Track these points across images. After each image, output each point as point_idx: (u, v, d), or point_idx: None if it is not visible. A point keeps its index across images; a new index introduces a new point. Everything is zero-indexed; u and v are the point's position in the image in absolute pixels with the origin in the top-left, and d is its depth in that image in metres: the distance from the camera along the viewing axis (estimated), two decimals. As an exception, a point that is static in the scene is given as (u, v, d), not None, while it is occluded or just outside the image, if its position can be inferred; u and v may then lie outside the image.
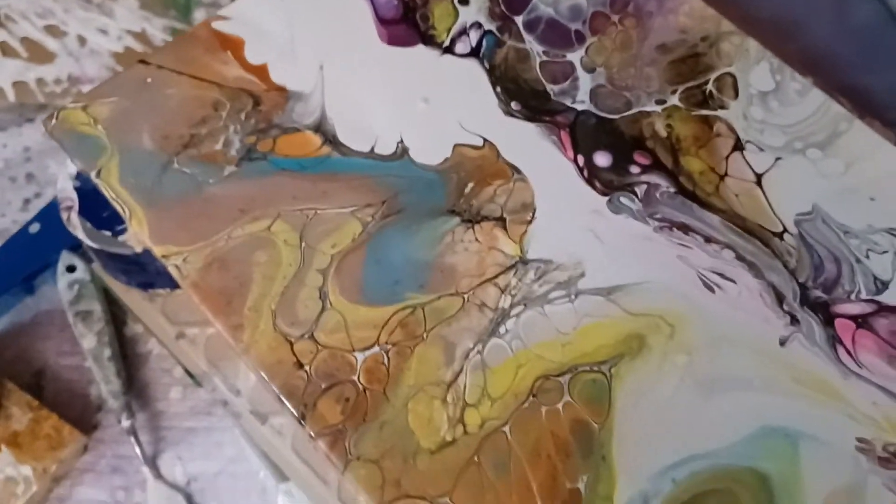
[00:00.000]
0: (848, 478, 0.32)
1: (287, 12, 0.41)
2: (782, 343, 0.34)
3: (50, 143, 0.48)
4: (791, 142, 0.38)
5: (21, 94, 0.51)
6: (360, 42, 0.41)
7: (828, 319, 0.35)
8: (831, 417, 0.33)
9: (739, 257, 0.36)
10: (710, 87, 0.39)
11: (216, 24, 0.40)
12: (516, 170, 0.38)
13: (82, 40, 0.52)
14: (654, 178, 0.38)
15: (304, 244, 0.36)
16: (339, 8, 0.41)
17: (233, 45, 0.40)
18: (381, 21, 0.41)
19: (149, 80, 0.39)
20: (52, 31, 0.53)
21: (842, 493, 0.31)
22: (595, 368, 0.34)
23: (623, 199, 0.37)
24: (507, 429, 0.32)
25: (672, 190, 0.37)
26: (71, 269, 0.45)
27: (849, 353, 0.34)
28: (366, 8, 0.41)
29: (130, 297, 0.42)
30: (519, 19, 0.41)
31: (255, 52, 0.40)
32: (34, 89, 0.51)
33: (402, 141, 0.38)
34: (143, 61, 0.39)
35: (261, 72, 0.39)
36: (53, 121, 0.38)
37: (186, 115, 0.38)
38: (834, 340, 0.34)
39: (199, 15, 0.52)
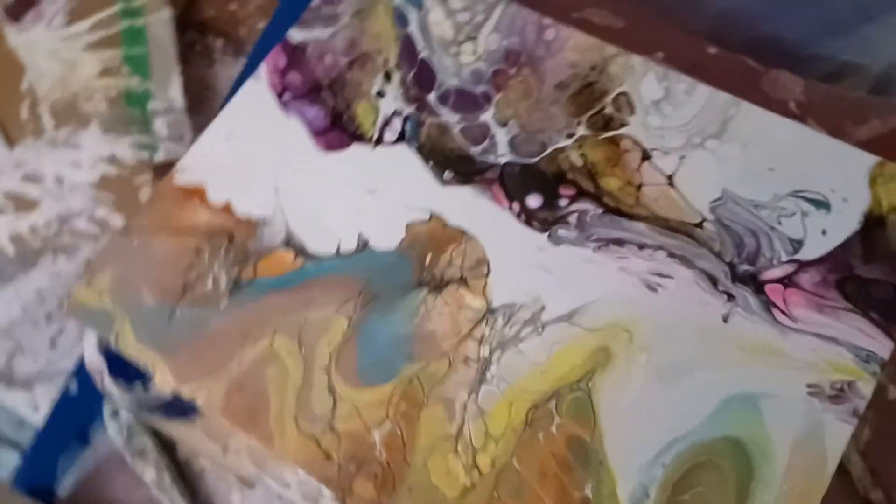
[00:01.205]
0: (807, 422, 0.35)
1: (235, 149, 0.45)
2: (725, 320, 0.38)
3: (58, 281, 0.52)
4: (690, 138, 0.42)
5: (19, 245, 0.54)
6: (303, 157, 0.45)
7: (758, 288, 0.38)
8: (780, 373, 0.37)
9: (671, 254, 0.40)
10: (608, 109, 0.43)
11: (177, 179, 0.45)
12: (464, 232, 0.42)
13: (59, 179, 0.54)
14: (581, 205, 0.41)
15: (303, 350, 0.40)
16: (277, 132, 0.45)
17: (196, 193, 0.44)
18: (316, 133, 0.45)
19: (134, 244, 0.43)
20: (29, 178, 0.55)
21: (805, 437, 0.35)
22: (575, 387, 0.38)
23: (560, 231, 0.41)
24: (514, 461, 0.37)
25: (599, 211, 0.41)
26: (115, 413, 0.50)
27: (783, 312, 0.38)
28: (300, 126, 0.45)
29: (173, 427, 0.47)
30: (431, 97, 0.45)
31: (216, 193, 0.44)
32: (29, 238, 0.54)
33: (360, 234, 0.42)
34: (126, 230, 0.44)
35: (227, 209, 0.44)
36: (66, 303, 0.42)
37: (175, 267, 0.43)
38: (768, 305, 0.38)
39: (159, 124, 0.54)
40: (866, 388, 0.36)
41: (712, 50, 0.56)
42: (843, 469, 0.41)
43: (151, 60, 0.55)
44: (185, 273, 0.42)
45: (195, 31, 0.59)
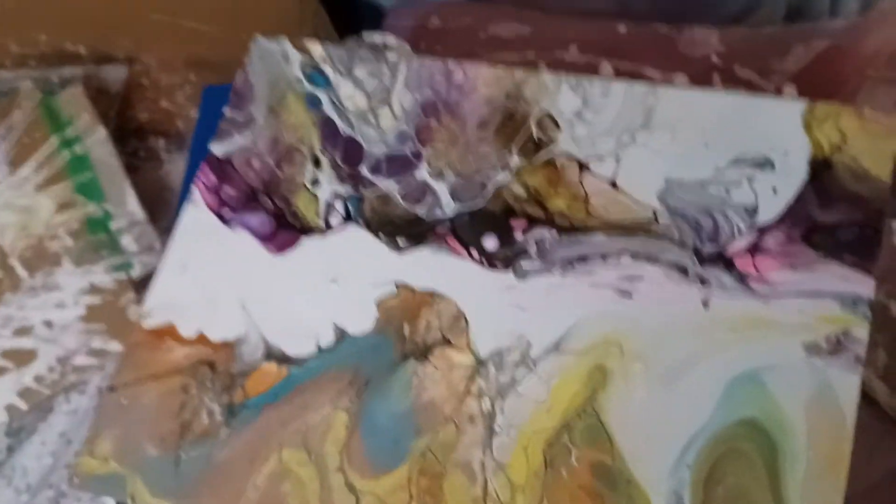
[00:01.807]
0: (814, 383, 0.35)
1: (192, 279, 0.45)
2: (705, 305, 0.38)
3: (77, 418, 0.51)
4: (619, 138, 0.42)
5: (28, 398, 0.53)
6: (259, 266, 0.44)
7: (728, 264, 0.38)
8: (774, 342, 0.36)
9: (635, 256, 0.39)
10: (535, 133, 0.43)
11: (145, 324, 0.44)
12: (433, 293, 0.41)
13: (48, 324, 0.54)
14: (537, 234, 0.41)
15: (312, 456, 0.39)
16: (228, 249, 0.45)
17: (167, 333, 0.44)
18: (264, 239, 0.45)
19: (124, 401, 0.43)
20: (20, 332, 0.55)
21: (816, 399, 0.35)
22: (582, 414, 0.37)
23: (524, 264, 0.41)
24: (545, 505, 0.36)
25: (556, 234, 0.41)
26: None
27: (759, 281, 0.37)
28: (248, 236, 0.45)
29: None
30: (363, 170, 0.45)
31: (187, 326, 0.44)
32: (36, 388, 0.53)
33: (335, 325, 0.42)
34: (110, 388, 0.43)
35: (201, 339, 0.43)
36: (75, 478, 0.42)
37: (168, 412, 0.42)
38: (742, 278, 0.38)
39: (126, 241, 0.54)
40: (861, 331, 0.35)
41: (622, 29, 0.56)
42: (869, 399, 0.40)
43: (101, 182, 0.54)
44: (179, 414, 0.42)
45: (134, 138, 0.59)
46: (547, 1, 0.59)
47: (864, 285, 0.36)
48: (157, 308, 0.45)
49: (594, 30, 0.56)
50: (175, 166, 0.58)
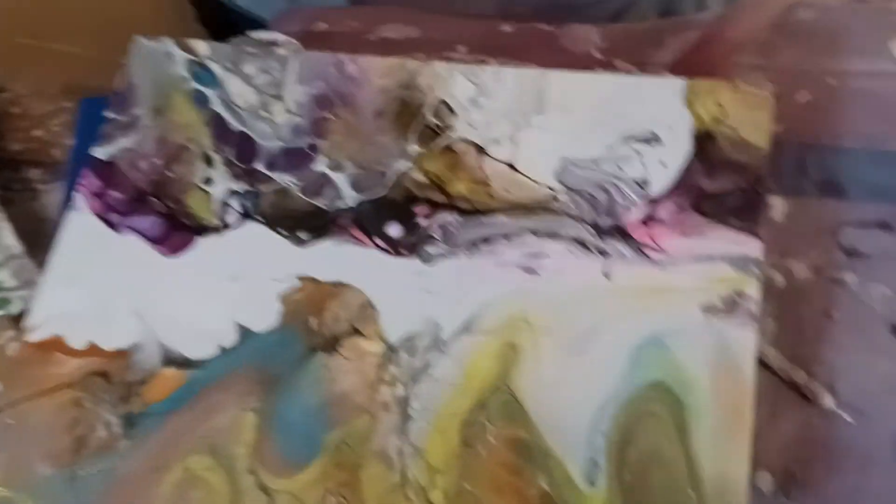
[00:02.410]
0: (713, 341, 0.36)
1: (79, 289, 0.42)
2: (607, 276, 0.38)
3: None
4: (515, 121, 0.42)
5: None
6: (151, 270, 0.42)
7: (625, 235, 0.39)
8: (674, 306, 0.37)
9: (537, 234, 0.40)
10: (431, 120, 0.43)
11: (30, 339, 0.41)
12: (339, 283, 0.40)
13: None
14: (440, 218, 0.41)
15: (221, 461, 0.37)
16: (117, 255, 0.42)
17: (54, 346, 0.41)
18: (156, 241, 0.42)
19: (10, 422, 0.39)
20: None
21: (716, 356, 0.36)
22: (496, 391, 0.37)
23: (429, 249, 0.40)
24: (465, 484, 0.35)
25: (459, 218, 0.41)
26: None
27: (655, 249, 0.38)
28: (137, 241, 0.43)
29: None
30: (259, 166, 0.43)
31: (76, 338, 0.41)
32: None
33: (237, 323, 0.40)
34: (-8, 410, 0.40)
35: (92, 349, 0.40)
36: (-46, 510, 0.38)
37: (59, 427, 0.39)
38: (639, 247, 0.39)
39: (4, 276, 0.49)
40: (752, 289, 0.37)
41: (506, 28, 0.57)
42: (765, 366, 0.42)
43: (-26, 217, 0.50)
44: (73, 429, 0.39)
45: (8, 170, 0.56)
46: (432, 4, 0.60)
47: (751, 246, 0.37)
48: (41, 323, 0.41)
49: (480, 30, 0.57)
50: (53, 197, 0.55)
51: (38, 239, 0.52)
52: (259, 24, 0.63)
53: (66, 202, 0.50)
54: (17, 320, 0.48)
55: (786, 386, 0.41)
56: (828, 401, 0.40)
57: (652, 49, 0.54)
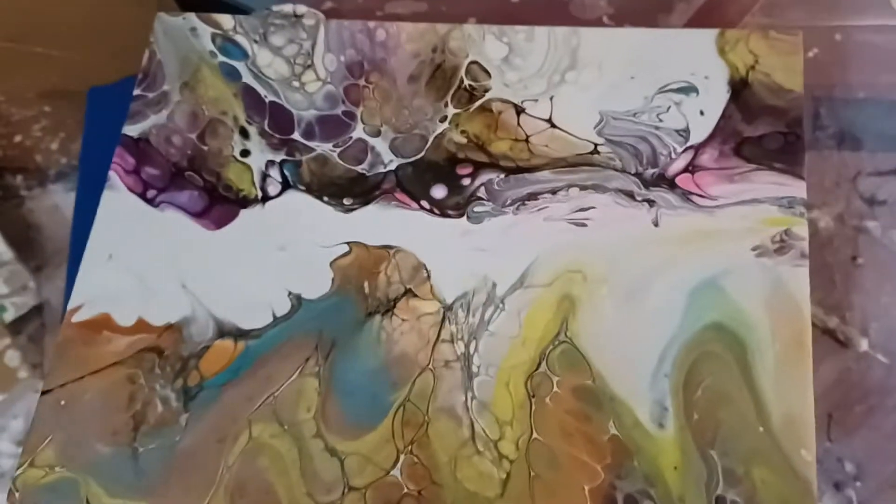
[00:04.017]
0: (767, 280, 0.36)
1: (122, 267, 0.40)
2: (656, 224, 0.38)
3: None
4: (550, 79, 0.41)
5: None
6: (196, 244, 0.40)
7: (671, 184, 0.39)
8: (725, 249, 0.37)
9: (582, 188, 0.39)
10: (466, 82, 0.42)
11: (75, 318, 0.39)
12: (389, 247, 0.39)
13: None
14: (484, 177, 0.40)
15: (286, 427, 0.36)
16: (158, 231, 0.41)
17: (103, 324, 0.39)
18: (198, 216, 0.41)
19: (62, 402, 0.38)
20: None
21: (772, 295, 0.36)
22: (556, 342, 0.36)
23: (476, 209, 0.39)
24: (536, 435, 0.35)
25: (502, 175, 0.40)
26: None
27: (701, 195, 0.38)
28: (179, 215, 0.41)
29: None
30: (296, 135, 0.42)
31: (124, 315, 0.39)
32: None
33: (289, 293, 0.39)
34: (44, 391, 0.38)
35: (142, 325, 0.39)
36: (17, 493, 0.36)
37: (116, 405, 0.37)
38: (685, 195, 0.38)
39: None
40: (801, 229, 0.36)
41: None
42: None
43: (-39, 226, 0.48)
44: (130, 406, 0.37)
45: None
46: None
47: (796, 187, 0.37)
48: (87, 302, 0.40)
49: (488, 1, 0.56)
50: (38, 203, 0.52)
51: (28, 244, 0.50)
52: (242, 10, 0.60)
53: (84, 191, 0.48)
54: (12, 327, 0.46)
55: (821, 332, 0.41)
56: (863, 344, 0.40)
57: (662, 13, 0.53)
